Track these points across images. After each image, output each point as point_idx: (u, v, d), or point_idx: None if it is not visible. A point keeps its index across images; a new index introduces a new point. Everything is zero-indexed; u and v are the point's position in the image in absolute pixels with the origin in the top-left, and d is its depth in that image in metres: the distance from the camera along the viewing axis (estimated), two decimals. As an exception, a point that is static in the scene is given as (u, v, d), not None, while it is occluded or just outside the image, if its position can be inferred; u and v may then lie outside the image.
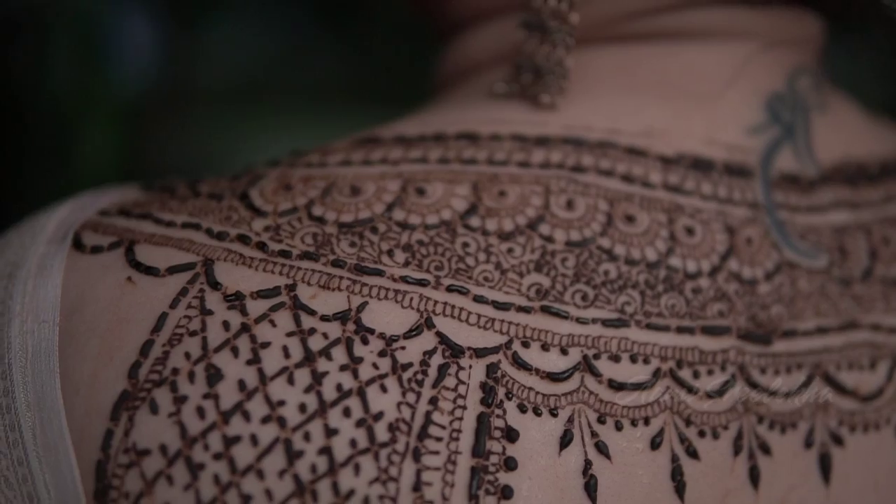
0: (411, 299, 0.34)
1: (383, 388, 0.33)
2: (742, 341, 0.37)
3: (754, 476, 0.36)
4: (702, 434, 0.35)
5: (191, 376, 0.32)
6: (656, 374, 0.35)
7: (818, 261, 0.40)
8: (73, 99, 0.89)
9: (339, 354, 0.33)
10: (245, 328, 0.33)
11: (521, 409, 0.34)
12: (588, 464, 0.34)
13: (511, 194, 0.37)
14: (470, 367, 0.34)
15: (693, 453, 0.35)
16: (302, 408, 0.32)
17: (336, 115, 1.04)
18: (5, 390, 0.34)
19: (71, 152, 0.88)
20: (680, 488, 0.35)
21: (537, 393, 0.34)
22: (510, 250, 0.36)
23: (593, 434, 0.34)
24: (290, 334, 0.33)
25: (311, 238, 0.35)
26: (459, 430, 0.33)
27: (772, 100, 0.41)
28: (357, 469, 0.32)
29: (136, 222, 0.36)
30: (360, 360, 0.33)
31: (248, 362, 0.32)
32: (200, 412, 0.32)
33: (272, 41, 1.08)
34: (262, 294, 0.34)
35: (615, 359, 0.35)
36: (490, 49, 0.42)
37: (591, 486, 0.33)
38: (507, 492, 0.33)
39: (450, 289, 0.35)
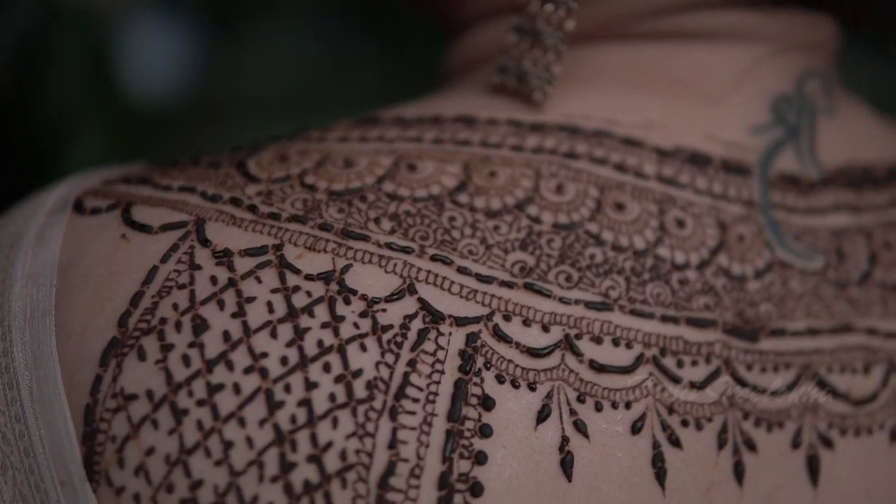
0: (395, 265, 0.35)
1: (363, 347, 0.33)
2: (728, 336, 0.37)
3: (738, 471, 0.36)
4: (685, 423, 0.35)
5: (178, 326, 0.33)
6: (639, 359, 0.36)
7: (813, 262, 0.40)
8: (76, 107, 0.89)
9: (322, 312, 0.33)
10: (231, 283, 0.34)
11: (499, 379, 0.34)
12: (565, 440, 0.34)
13: (501, 175, 0.38)
14: (450, 333, 0.34)
15: (675, 442, 0.35)
16: (283, 360, 0.33)
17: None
18: (4, 350, 0.35)
19: (73, 161, 0.88)
20: (661, 475, 0.35)
21: (516, 366, 0.34)
22: (496, 227, 0.36)
23: (572, 412, 0.34)
24: (274, 290, 0.34)
25: (301, 203, 0.36)
26: (436, 394, 0.33)
27: (778, 101, 0.41)
28: (335, 422, 0.32)
29: (136, 187, 0.38)
30: (341, 318, 0.33)
31: (234, 315, 0.33)
32: (186, 360, 0.33)
33: (315, 53, 1.10)
34: (249, 252, 0.35)
35: (597, 340, 0.35)
36: (493, 45, 0.42)
37: (566, 462, 0.34)
38: (481, 457, 0.33)
39: (434, 258, 0.35)
